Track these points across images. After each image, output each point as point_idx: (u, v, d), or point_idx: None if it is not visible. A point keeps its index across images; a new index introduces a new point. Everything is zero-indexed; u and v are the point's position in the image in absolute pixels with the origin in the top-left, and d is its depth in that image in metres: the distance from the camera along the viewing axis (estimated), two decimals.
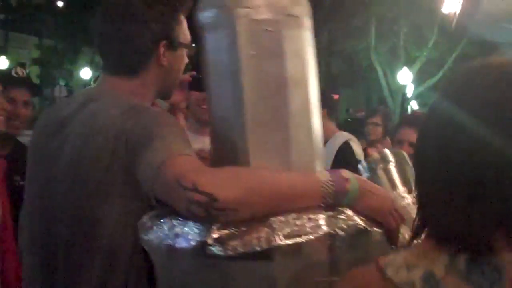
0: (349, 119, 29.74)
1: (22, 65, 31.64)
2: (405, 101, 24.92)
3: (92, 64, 32.60)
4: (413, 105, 27.25)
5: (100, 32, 1.82)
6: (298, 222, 1.42)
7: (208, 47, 1.62)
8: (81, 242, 1.69)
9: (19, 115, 3.23)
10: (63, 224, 1.71)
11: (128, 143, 1.59)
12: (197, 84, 1.97)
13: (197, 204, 1.37)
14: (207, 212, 1.37)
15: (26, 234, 1.85)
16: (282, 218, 1.42)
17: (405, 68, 22.62)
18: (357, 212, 1.50)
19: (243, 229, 1.39)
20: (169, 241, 1.43)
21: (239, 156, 1.56)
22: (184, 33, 1.86)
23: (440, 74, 23.11)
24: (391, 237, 1.56)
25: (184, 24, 1.86)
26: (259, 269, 1.40)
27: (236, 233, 1.39)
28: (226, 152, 1.61)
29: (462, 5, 10.10)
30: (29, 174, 1.87)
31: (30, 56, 31.68)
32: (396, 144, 3.76)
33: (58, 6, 31.01)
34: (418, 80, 24.14)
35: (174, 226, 1.46)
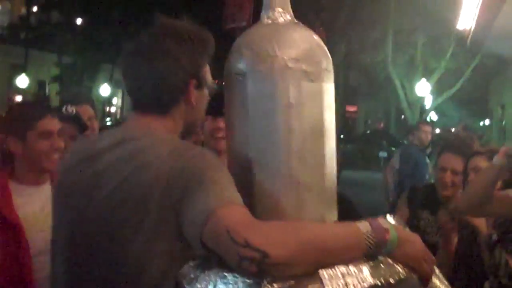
0: (368, 131, 29.75)
1: (42, 83, 32.11)
2: (423, 112, 24.82)
3: (111, 81, 32.86)
4: (432, 116, 27.13)
5: (131, 71, 1.85)
6: (345, 275, 1.50)
7: (246, 92, 1.74)
8: (118, 282, 1.70)
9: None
10: (98, 262, 1.73)
11: (178, 183, 1.62)
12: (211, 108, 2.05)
13: (249, 260, 1.42)
14: (259, 268, 1.42)
15: (59, 264, 1.87)
16: (330, 272, 1.49)
17: (423, 80, 22.53)
18: (395, 260, 1.59)
19: (293, 283, 1.45)
20: None
21: (281, 195, 1.71)
22: (208, 74, 1.92)
23: (459, 85, 23.01)
24: (425, 281, 1.65)
25: (207, 66, 1.92)
26: None
27: None
28: (259, 188, 1.72)
29: (477, 21, 10.09)
30: (58, 209, 1.91)
31: (50, 74, 31.93)
32: (438, 171, 3.67)
33: (77, 24, 31.32)
34: (437, 91, 24.05)
35: (220, 279, 1.52)
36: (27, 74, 29.46)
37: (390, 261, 1.58)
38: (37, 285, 2.67)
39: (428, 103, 25.53)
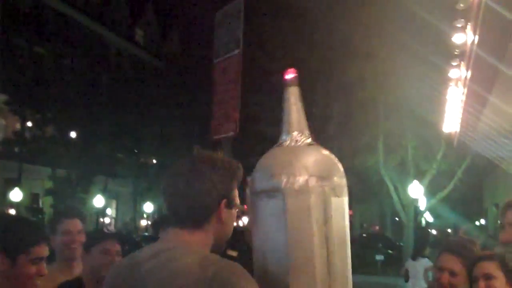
0: (364, 235, 29.57)
1: (35, 196, 32.04)
2: (418, 214, 24.80)
3: (105, 192, 32.87)
4: (427, 217, 27.07)
5: (172, 189, 2.07)
6: None
7: (283, 208, 1.95)
8: None
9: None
10: None
11: None
12: None
13: None
14: None
15: None
16: None
17: (415, 182, 22.65)
18: None
19: None
20: None
21: None
22: (237, 196, 2.12)
23: (451, 186, 23.12)
24: None
25: (236, 190, 2.14)
26: None
27: None
28: None
29: (461, 125, 10.33)
30: None
31: (43, 187, 31.96)
32: (436, 271, 3.58)
33: (71, 138, 31.65)
34: (430, 192, 24.12)
35: None
36: (21, 188, 29.44)
37: None
38: None
39: (422, 204, 25.58)
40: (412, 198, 23.40)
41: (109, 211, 39.55)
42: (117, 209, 38.71)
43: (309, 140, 2.07)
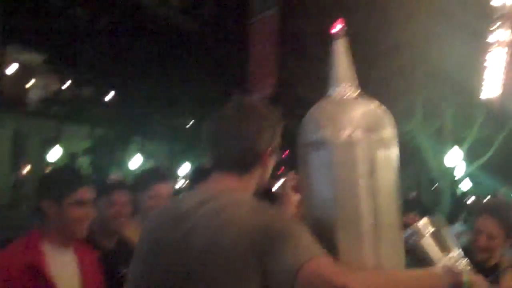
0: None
1: (74, 156, 32.51)
2: (455, 181, 24.53)
3: (142, 152, 33.16)
4: (465, 184, 26.76)
5: (221, 133, 2.06)
6: None
7: (330, 160, 1.94)
8: None
9: (122, 214, 3.59)
10: None
11: (262, 240, 1.77)
12: None
13: None
14: None
15: None
16: None
17: (453, 149, 22.36)
18: None
19: None
20: None
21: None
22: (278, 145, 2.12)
23: (490, 153, 22.76)
24: None
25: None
26: None
27: None
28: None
29: (504, 88, 10.07)
30: (143, 263, 2.05)
31: (81, 146, 32.35)
32: (474, 234, 3.48)
33: (108, 98, 31.92)
34: (469, 159, 23.83)
35: None
36: (61, 146, 29.91)
37: None
38: None
39: (460, 171, 25.26)
40: (450, 165, 23.15)
41: None
42: None
43: (358, 92, 2.06)
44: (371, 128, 1.92)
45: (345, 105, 1.99)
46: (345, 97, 2.03)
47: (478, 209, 3.91)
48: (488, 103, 12.94)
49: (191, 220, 1.92)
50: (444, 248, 2.16)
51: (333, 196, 1.91)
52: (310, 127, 2.01)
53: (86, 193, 3.00)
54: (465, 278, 1.77)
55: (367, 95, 2.08)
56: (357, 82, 2.08)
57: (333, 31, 2.13)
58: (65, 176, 3.09)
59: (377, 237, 1.88)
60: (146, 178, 4.00)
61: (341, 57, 2.09)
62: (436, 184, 24.73)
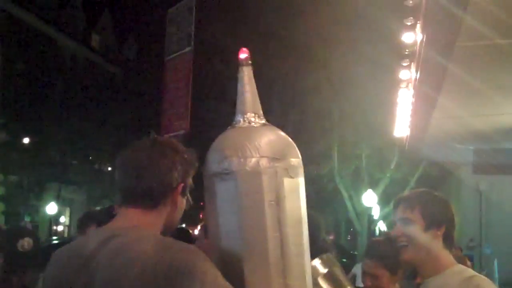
0: None
1: None
2: (371, 223, 24.98)
3: (58, 199, 32.32)
4: (381, 226, 27.25)
5: (132, 164, 2.02)
6: None
7: (235, 189, 1.92)
8: None
9: None
10: None
11: (167, 276, 1.73)
12: None
13: None
14: None
15: None
16: None
17: (369, 190, 22.82)
18: None
19: None
20: None
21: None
22: (189, 186, 2.11)
23: (406, 192, 23.27)
24: None
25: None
26: None
27: None
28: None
29: (411, 130, 10.42)
30: None
31: None
32: (362, 277, 3.64)
33: (23, 143, 31.10)
34: (383, 201, 24.31)
35: None
36: None
37: None
38: None
39: (376, 213, 25.77)
40: (366, 207, 23.58)
41: (62, 218, 38.92)
42: (70, 217, 37.98)
43: (263, 121, 2.05)
44: (277, 156, 1.91)
45: (250, 134, 1.98)
46: (250, 125, 2.02)
47: (363, 254, 4.09)
48: (399, 143, 13.29)
49: (94, 260, 1.87)
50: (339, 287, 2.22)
51: (239, 226, 1.89)
52: (216, 156, 1.99)
53: None
54: None
55: (271, 123, 2.09)
56: (261, 111, 2.08)
57: (240, 57, 2.14)
58: None
59: (284, 268, 1.86)
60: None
61: (247, 86, 2.09)
62: (353, 226, 25.04)
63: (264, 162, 1.89)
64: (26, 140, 31.19)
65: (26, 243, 3.61)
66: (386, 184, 23.24)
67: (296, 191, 1.95)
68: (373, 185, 23.26)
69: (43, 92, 29.85)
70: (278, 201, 1.88)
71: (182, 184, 2.04)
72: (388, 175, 23.01)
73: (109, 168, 36.74)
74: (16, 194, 30.65)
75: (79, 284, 1.87)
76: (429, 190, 2.91)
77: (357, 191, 23.73)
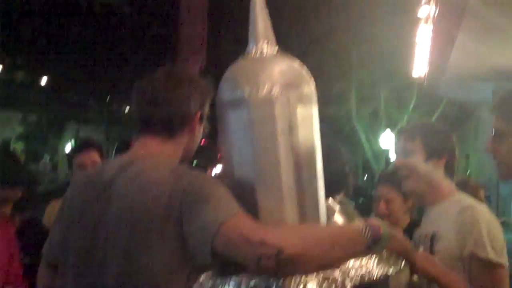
0: None
1: (6, 142, 31.75)
2: (388, 164, 24.99)
3: (76, 139, 32.59)
4: None
5: (149, 95, 2.04)
6: (359, 267, 1.71)
7: (248, 117, 1.91)
8: None
9: None
10: (111, 272, 1.85)
11: (182, 202, 1.77)
12: None
13: (267, 258, 1.57)
14: (277, 264, 1.56)
15: (70, 278, 1.96)
16: (346, 265, 1.70)
17: (387, 131, 22.75)
18: (390, 253, 1.84)
19: (319, 276, 1.65)
20: None
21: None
22: (206, 113, 2.14)
23: None
24: (414, 270, 1.96)
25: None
26: None
27: (314, 281, 1.64)
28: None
29: (429, 68, 10.29)
30: (65, 233, 2.02)
31: (14, 132, 31.63)
32: (375, 203, 3.74)
33: (41, 83, 31.23)
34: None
35: (246, 283, 1.69)
36: None
37: (385, 254, 1.81)
38: None
39: (393, 154, 25.75)
40: (383, 148, 23.57)
41: None
42: None
43: (276, 49, 2.03)
44: (290, 84, 1.91)
45: (263, 62, 1.97)
46: (263, 55, 2.01)
47: (377, 180, 4.13)
48: (418, 83, 13.17)
49: (111, 187, 1.91)
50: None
51: (252, 154, 1.89)
52: (228, 85, 1.99)
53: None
54: (384, 230, 1.79)
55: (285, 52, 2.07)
56: (275, 39, 2.05)
57: None
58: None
59: (297, 195, 1.87)
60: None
61: (259, 14, 2.06)
62: (371, 167, 25.09)
63: (276, 89, 1.88)
64: (44, 80, 31.32)
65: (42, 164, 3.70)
66: (403, 126, 23.13)
67: (309, 120, 1.95)
68: (391, 126, 23.19)
69: (61, 32, 29.76)
70: (291, 129, 1.88)
71: (200, 112, 2.07)
72: (406, 116, 22.90)
73: (127, 108, 36.91)
74: (35, 134, 30.98)
75: (97, 209, 1.91)
76: (431, 121, 2.92)
77: (375, 132, 23.70)
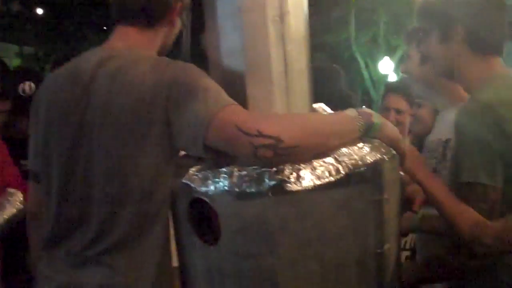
0: None
1: None
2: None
3: None
4: None
5: None
6: (353, 153, 1.68)
7: (236, 5, 1.86)
8: (114, 192, 1.79)
9: None
10: (97, 175, 1.81)
11: (168, 95, 1.71)
12: None
13: (264, 147, 1.54)
14: (275, 153, 1.54)
15: (55, 184, 1.91)
16: (340, 152, 1.67)
17: (386, 58, 22.62)
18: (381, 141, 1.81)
19: (313, 164, 1.61)
20: (237, 188, 1.61)
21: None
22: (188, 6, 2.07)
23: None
24: (403, 159, 1.91)
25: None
26: (333, 196, 1.62)
27: (307, 169, 1.60)
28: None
29: None
30: (46, 127, 1.94)
31: (11, 64, 31.41)
32: (382, 111, 3.68)
33: (38, 14, 30.83)
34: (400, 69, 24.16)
35: (238, 173, 1.64)
36: None
37: (378, 142, 1.79)
38: None
39: (392, 80, 25.65)
40: (383, 75, 23.47)
41: None
42: None
43: None
44: None
45: None
46: None
47: (384, 91, 4.09)
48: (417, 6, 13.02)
49: (91, 86, 1.83)
50: None
51: (241, 43, 1.86)
52: None
53: None
54: (375, 119, 1.77)
55: None
56: None
57: None
58: None
59: (287, 85, 1.86)
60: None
61: None
62: (369, 95, 25.04)
63: None
64: (40, 11, 30.91)
65: (27, 86, 3.59)
66: (403, 51, 22.99)
67: (300, 7, 1.91)
68: (390, 52, 23.04)
69: None
70: (282, 16, 1.84)
71: (180, 4, 2.00)
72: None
73: None
74: (32, 66, 30.75)
75: (79, 109, 1.84)
76: None
77: (374, 59, 23.54)
